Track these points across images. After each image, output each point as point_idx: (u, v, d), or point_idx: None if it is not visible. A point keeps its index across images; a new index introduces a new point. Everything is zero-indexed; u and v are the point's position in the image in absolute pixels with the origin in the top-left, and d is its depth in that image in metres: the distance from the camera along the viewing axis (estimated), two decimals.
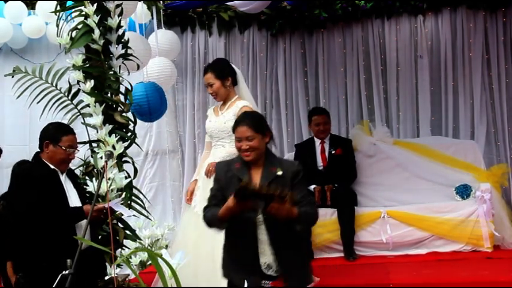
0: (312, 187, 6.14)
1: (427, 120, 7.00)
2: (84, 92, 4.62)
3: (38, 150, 4.22)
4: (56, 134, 4.16)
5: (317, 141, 6.42)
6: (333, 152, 6.34)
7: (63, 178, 4.15)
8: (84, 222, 3.98)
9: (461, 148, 6.56)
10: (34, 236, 3.97)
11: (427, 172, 6.43)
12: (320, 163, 6.35)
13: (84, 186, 4.38)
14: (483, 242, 5.77)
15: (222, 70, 4.81)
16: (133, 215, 4.91)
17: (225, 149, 4.65)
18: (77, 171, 4.56)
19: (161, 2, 6.37)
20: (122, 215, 4.32)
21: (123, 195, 4.42)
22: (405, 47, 7.07)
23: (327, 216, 6.03)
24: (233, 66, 4.93)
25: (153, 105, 5.56)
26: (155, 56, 6.00)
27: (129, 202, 4.65)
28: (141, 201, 4.88)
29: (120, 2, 4.77)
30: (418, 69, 7.06)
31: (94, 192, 4.12)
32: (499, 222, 5.93)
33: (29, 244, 3.99)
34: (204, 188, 4.60)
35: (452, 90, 6.97)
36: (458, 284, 4.64)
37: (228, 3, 7.01)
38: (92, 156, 4.61)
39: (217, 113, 4.84)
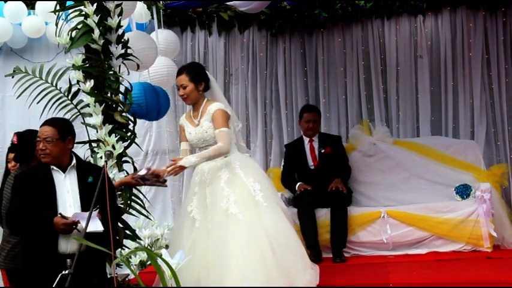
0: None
1: (427, 120, 7.00)
2: (84, 91, 4.62)
3: None
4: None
5: (306, 140, 6.41)
6: (323, 151, 6.32)
7: (63, 178, 3.95)
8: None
9: (461, 148, 6.56)
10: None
11: (427, 172, 6.43)
12: (311, 162, 6.34)
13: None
14: (483, 242, 5.77)
15: (197, 74, 4.67)
16: (133, 215, 4.93)
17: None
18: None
19: (161, 2, 6.37)
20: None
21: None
22: (405, 47, 7.06)
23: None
24: (206, 72, 4.83)
25: (150, 105, 5.51)
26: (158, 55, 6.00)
27: (128, 202, 4.65)
28: (141, 201, 4.89)
29: (120, 2, 4.77)
30: (417, 69, 7.06)
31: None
32: (498, 222, 5.93)
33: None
34: (201, 193, 4.58)
35: (452, 90, 6.97)
36: (458, 284, 4.63)
37: (228, 3, 7.02)
38: (91, 156, 4.61)
39: (193, 123, 4.67)
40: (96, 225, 3.71)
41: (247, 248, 4.28)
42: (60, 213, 3.80)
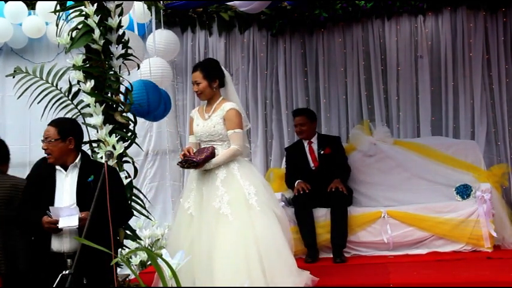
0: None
1: (427, 120, 7.00)
2: (84, 92, 4.62)
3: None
4: None
5: (305, 142, 6.43)
6: (322, 152, 6.33)
7: (64, 176, 3.98)
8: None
9: (462, 148, 6.56)
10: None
11: (427, 172, 6.42)
12: (312, 164, 6.35)
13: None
14: (483, 242, 5.76)
15: (211, 71, 4.71)
16: (133, 215, 4.92)
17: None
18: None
19: (161, 2, 6.37)
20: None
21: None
22: (405, 47, 7.06)
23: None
24: (222, 68, 4.86)
25: (152, 103, 5.48)
26: (153, 56, 5.99)
27: (129, 202, 4.65)
28: (141, 201, 4.89)
29: (120, 2, 4.77)
30: (418, 69, 7.06)
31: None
32: (499, 222, 5.93)
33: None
34: (198, 190, 4.58)
35: (453, 90, 6.97)
36: (458, 284, 4.63)
37: (228, 3, 7.02)
38: (92, 157, 4.61)
39: (203, 116, 4.72)
40: (70, 221, 3.71)
41: (233, 250, 4.27)
42: (47, 212, 3.81)
